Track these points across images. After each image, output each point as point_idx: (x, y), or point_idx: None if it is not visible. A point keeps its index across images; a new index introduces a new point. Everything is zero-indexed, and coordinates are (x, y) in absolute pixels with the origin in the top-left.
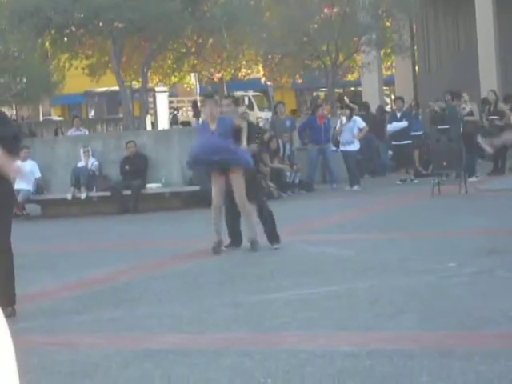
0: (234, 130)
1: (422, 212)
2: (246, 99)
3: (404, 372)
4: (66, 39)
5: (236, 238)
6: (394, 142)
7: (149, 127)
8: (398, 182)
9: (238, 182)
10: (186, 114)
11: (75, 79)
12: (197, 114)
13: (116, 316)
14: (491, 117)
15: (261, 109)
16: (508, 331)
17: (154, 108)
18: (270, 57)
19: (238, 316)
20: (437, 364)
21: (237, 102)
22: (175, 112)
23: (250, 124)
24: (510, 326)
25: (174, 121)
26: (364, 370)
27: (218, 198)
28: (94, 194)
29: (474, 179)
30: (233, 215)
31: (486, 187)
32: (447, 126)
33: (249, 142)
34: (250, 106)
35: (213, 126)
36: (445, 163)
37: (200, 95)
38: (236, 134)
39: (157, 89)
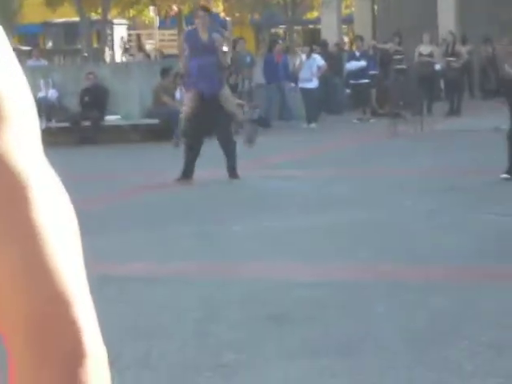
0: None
1: (378, 150)
2: None
3: (360, 301)
4: None
5: (189, 170)
6: (351, 81)
7: (107, 59)
8: (355, 121)
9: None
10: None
11: (33, 9)
12: (141, 48)
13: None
14: (448, 58)
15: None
16: (459, 266)
17: (112, 40)
18: None
19: (200, 245)
20: (391, 295)
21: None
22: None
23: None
24: (461, 261)
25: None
26: (321, 299)
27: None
28: (53, 124)
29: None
30: (193, 148)
31: (442, 127)
32: (404, 66)
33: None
34: None
35: (204, 36)
36: (402, 103)
37: (159, 28)
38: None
39: (115, 21)
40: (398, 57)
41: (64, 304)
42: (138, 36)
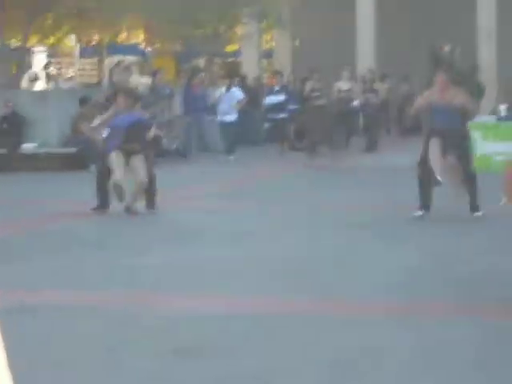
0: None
1: (295, 185)
2: (126, 63)
3: (272, 335)
4: None
5: (105, 201)
6: (271, 115)
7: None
8: (273, 155)
9: (142, 162)
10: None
11: None
12: (51, 77)
13: None
14: (367, 95)
15: (142, 74)
16: (373, 301)
17: (31, 68)
18: (151, 23)
19: (113, 275)
20: (304, 329)
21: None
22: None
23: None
24: (372, 297)
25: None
26: (234, 332)
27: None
28: None
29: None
30: (104, 177)
31: (360, 163)
32: (323, 102)
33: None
34: (128, 70)
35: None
36: (319, 138)
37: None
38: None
39: (35, 49)
40: (317, 93)
41: None
42: (48, 64)
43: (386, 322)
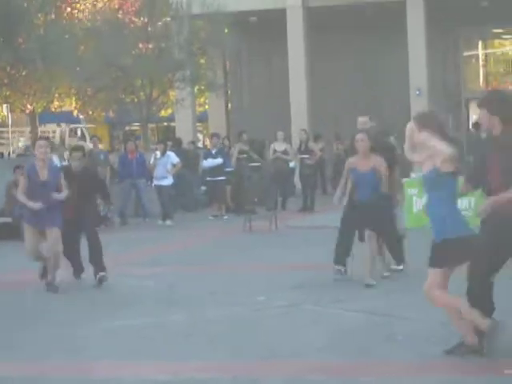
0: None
1: (233, 247)
2: (79, 131)
3: None
4: None
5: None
6: (208, 178)
7: None
8: (211, 217)
9: (57, 237)
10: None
11: None
12: None
13: None
14: (301, 156)
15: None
16: (314, 361)
17: None
18: (83, 90)
19: (54, 345)
20: None
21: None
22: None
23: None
24: (316, 356)
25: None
26: None
27: (34, 247)
28: None
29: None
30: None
31: (295, 224)
32: (259, 164)
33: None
34: (83, 138)
35: (43, 174)
36: (256, 199)
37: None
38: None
39: None
40: (243, 155)
41: None
42: None
43: (332, 382)
